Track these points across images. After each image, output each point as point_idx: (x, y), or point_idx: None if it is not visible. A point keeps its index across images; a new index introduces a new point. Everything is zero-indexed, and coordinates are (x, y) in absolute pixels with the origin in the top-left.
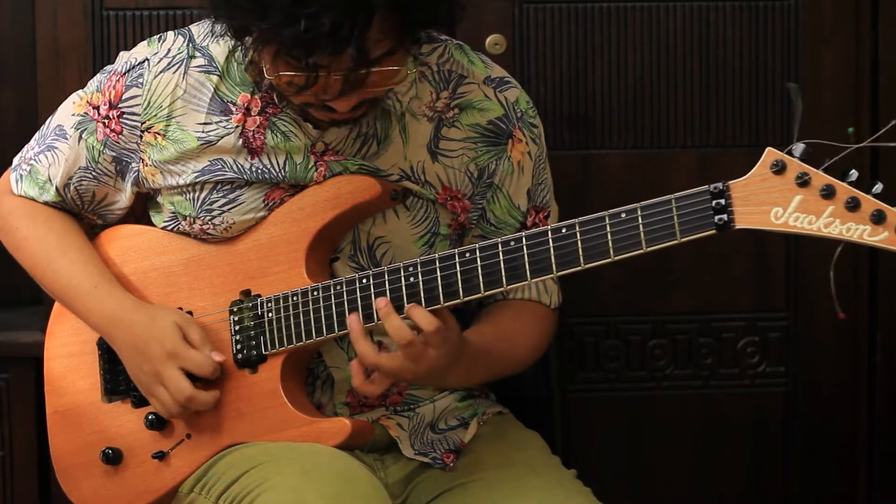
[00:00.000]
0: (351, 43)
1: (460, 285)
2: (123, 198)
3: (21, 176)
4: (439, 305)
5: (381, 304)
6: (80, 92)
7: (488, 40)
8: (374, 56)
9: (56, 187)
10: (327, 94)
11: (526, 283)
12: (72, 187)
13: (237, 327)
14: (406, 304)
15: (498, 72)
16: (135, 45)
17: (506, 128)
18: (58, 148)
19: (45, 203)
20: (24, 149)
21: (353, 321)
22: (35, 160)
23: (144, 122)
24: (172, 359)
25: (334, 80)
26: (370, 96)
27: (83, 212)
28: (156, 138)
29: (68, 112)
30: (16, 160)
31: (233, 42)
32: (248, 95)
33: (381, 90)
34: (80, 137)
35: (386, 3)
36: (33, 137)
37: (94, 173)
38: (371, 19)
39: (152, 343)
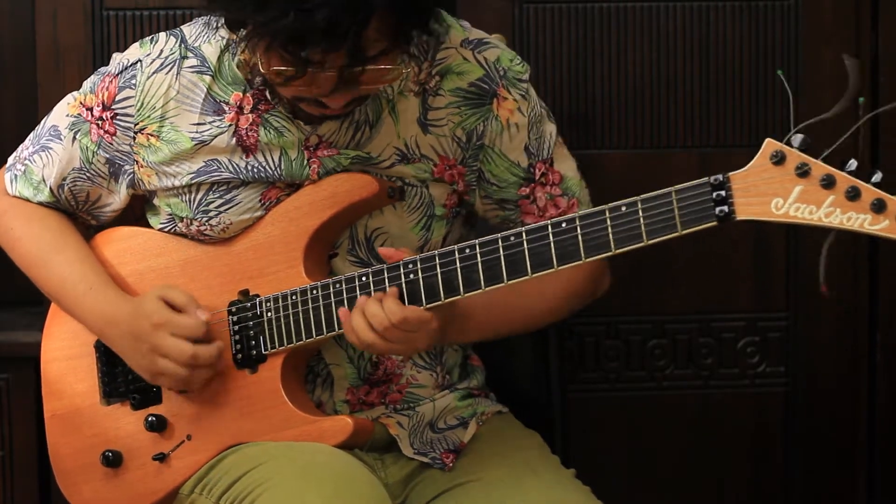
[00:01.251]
0: (347, 40)
1: (461, 281)
2: (117, 199)
3: (16, 176)
4: (440, 301)
5: (362, 300)
6: (74, 93)
7: None
8: (370, 55)
9: (50, 188)
10: (321, 90)
11: (527, 276)
12: (66, 188)
13: (236, 327)
14: (405, 300)
15: (477, 34)
16: None
17: (488, 88)
18: (52, 148)
19: (40, 203)
20: (19, 149)
21: (362, 299)
22: (29, 160)
23: (138, 124)
24: (162, 328)
25: (328, 76)
26: (362, 94)
27: (78, 212)
28: (149, 139)
29: (63, 113)
30: (10, 160)
31: (226, 38)
32: (241, 94)
33: (374, 88)
34: (75, 138)
35: (385, 3)
36: (28, 137)
37: (87, 174)
38: (369, 18)
39: (141, 321)
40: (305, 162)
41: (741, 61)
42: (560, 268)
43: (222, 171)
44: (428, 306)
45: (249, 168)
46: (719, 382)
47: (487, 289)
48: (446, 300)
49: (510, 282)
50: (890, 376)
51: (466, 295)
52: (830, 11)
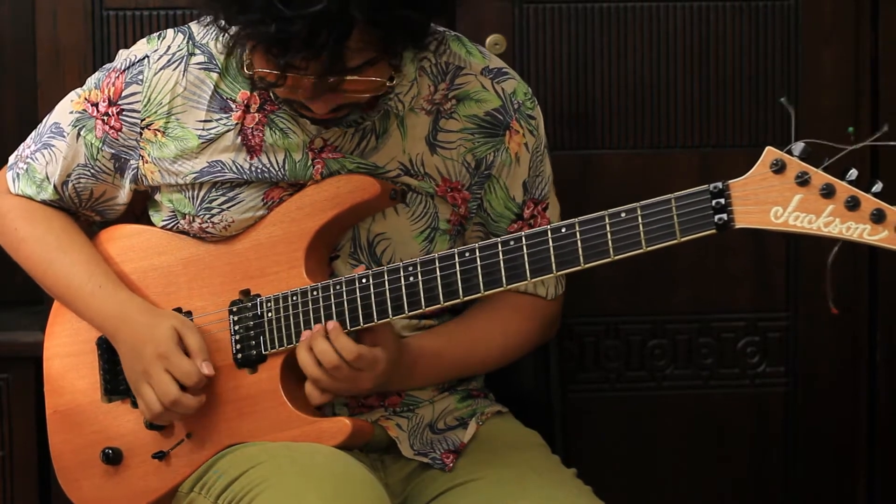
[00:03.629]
0: (326, 50)
1: (460, 285)
2: (123, 194)
3: (18, 175)
4: (439, 305)
5: (317, 328)
6: (77, 90)
7: (488, 40)
8: (352, 65)
9: (54, 185)
10: (304, 94)
11: (526, 282)
12: (70, 185)
13: (237, 327)
14: (406, 306)
15: (496, 63)
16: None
17: (503, 119)
18: (55, 146)
19: (43, 202)
20: (21, 147)
21: (305, 333)
22: (31, 158)
23: (144, 120)
24: (162, 360)
25: (309, 81)
26: (348, 101)
27: (80, 209)
28: (156, 135)
29: (66, 110)
30: (12, 159)
31: (223, 37)
32: (248, 92)
33: (362, 97)
34: (79, 135)
35: (365, 16)
36: (29, 136)
37: (92, 170)
38: (350, 30)
39: (148, 344)
40: (309, 163)
41: (741, 61)
42: (559, 273)
43: (226, 173)
44: (359, 327)
45: (253, 169)
46: (719, 382)
47: (486, 293)
48: (445, 303)
49: (509, 286)
50: (890, 376)
51: (465, 299)
52: (830, 11)
